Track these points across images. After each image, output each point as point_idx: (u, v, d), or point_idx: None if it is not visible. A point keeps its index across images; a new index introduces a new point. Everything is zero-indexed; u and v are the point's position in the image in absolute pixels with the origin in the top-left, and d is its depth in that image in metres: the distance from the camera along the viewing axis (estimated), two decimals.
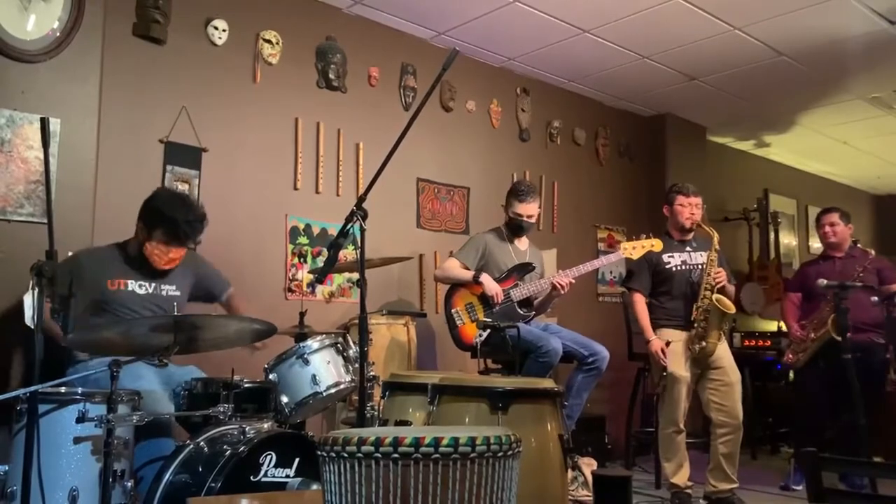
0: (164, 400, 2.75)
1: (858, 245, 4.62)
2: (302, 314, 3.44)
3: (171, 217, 2.90)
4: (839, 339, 4.11)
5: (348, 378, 3.07)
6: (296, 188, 4.21)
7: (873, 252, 4.46)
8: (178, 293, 3.13)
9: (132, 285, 3.00)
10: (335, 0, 4.39)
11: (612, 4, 4.37)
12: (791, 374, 4.89)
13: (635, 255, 3.95)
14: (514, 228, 4.13)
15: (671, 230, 4.08)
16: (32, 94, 3.13)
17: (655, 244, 3.94)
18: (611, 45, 4.94)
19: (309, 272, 4.16)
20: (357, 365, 2.90)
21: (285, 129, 4.20)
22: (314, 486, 2.38)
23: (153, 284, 3.05)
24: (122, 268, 3.00)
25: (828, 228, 4.57)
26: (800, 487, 4.36)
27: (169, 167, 3.72)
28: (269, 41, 4.14)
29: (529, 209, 4.07)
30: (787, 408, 5.40)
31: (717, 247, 3.86)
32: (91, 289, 2.90)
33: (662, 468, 3.94)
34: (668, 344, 3.80)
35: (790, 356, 4.48)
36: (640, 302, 3.99)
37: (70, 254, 3.00)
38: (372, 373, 3.06)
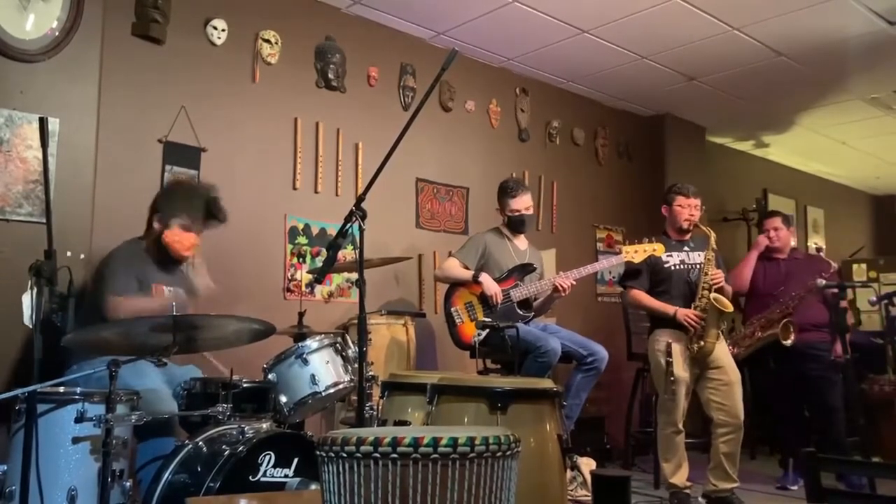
0: (168, 399, 2.75)
1: (822, 253, 4.71)
2: (301, 314, 3.44)
3: (193, 198, 2.99)
4: (787, 342, 4.22)
5: (347, 378, 3.07)
6: (295, 188, 4.21)
7: (835, 265, 4.63)
8: (181, 291, 3.15)
9: (166, 290, 3.06)
10: (334, 0, 4.40)
11: (611, 5, 4.37)
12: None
13: (637, 259, 3.93)
14: (516, 225, 4.12)
15: (669, 230, 4.07)
16: (31, 94, 3.13)
17: (657, 248, 3.91)
18: (610, 46, 4.94)
19: (308, 272, 4.16)
20: (356, 365, 2.90)
21: (284, 129, 4.20)
22: (313, 486, 2.38)
23: (173, 288, 3.10)
24: (155, 269, 3.05)
25: (772, 233, 4.68)
26: (795, 487, 4.38)
27: (168, 167, 3.72)
28: (268, 41, 4.14)
29: (524, 202, 4.08)
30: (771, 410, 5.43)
31: (714, 246, 3.86)
32: (141, 289, 2.95)
33: (661, 468, 3.93)
34: (668, 345, 3.79)
35: (731, 348, 4.51)
36: (641, 293, 3.97)
37: (75, 251, 3.03)
38: (371, 373, 3.06)
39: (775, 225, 4.68)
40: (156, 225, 3.03)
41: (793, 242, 4.90)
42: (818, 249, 4.76)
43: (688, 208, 3.97)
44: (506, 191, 4.12)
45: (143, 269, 3.01)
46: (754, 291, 4.65)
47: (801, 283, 4.31)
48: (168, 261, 3.06)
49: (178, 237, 3.01)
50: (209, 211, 3.05)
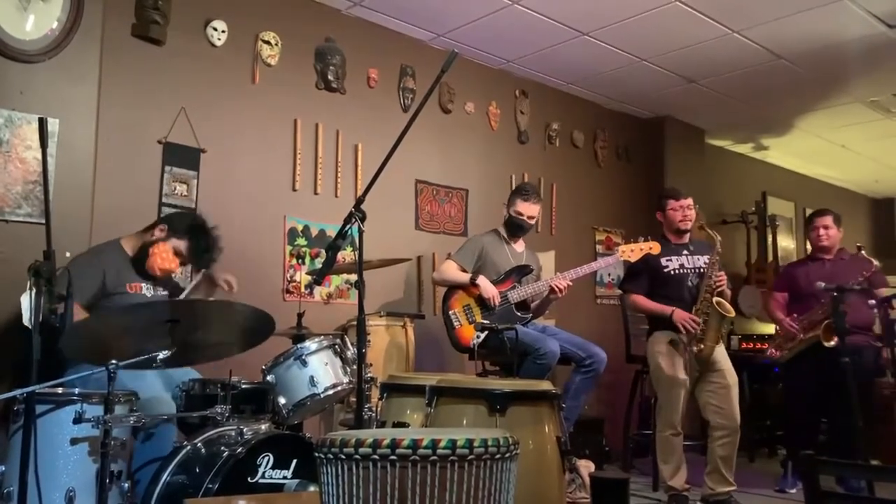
0: (167, 400, 2.75)
1: (863, 252, 4.56)
2: (300, 315, 3.44)
3: (196, 236, 3.04)
4: (829, 344, 4.11)
5: (346, 379, 3.07)
6: (294, 189, 4.21)
7: (877, 263, 4.41)
8: (163, 294, 3.16)
9: (144, 289, 3.05)
10: (334, 1, 4.40)
11: (611, 7, 4.38)
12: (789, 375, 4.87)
13: (633, 258, 3.95)
14: (514, 227, 4.13)
15: (667, 234, 4.08)
16: (31, 95, 3.13)
17: (654, 247, 3.93)
18: (609, 48, 4.94)
19: (307, 273, 4.15)
20: (355, 366, 2.90)
21: (284, 130, 4.20)
22: (311, 488, 2.38)
23: (154, 288, 3.10)
24: (132, 271, 3.03)
25: (822, 231, 4.55)
26: (794, 490, 4.37)
27: (167, 168, 3.72)
28: (268, 42, 4.14)
29: (531, 209, 4.08)
30: (785, 410, 5.40)
31: (720, 250, 3.86)
32: (111, 288, 2.94)
33: (660, 470, 3.94)
34: (668, 347, 3.79)
35: (774, 351, 4.46)
36: (640, 297, 3.98)
37: (74, 252, 3.02)
38: (370, 374, 3.06)
39: (825, 223, 4.54)
40: (157, 232, 3.04)
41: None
42: (859, 248, 4.60)
43: (680, 210, 3.99)
44: (520, 191, 4.14)
45: (116, 268, 2.98)
46: (798, 292, 4.51)
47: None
48: (142, 268, 3.03)
49: (166, 254, 2.99)
50: (201, 258, 3.12)
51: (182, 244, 3.04)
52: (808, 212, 8.21)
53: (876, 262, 4.38)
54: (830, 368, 4.11)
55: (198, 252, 3.08)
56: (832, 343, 4.10)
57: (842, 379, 4.10)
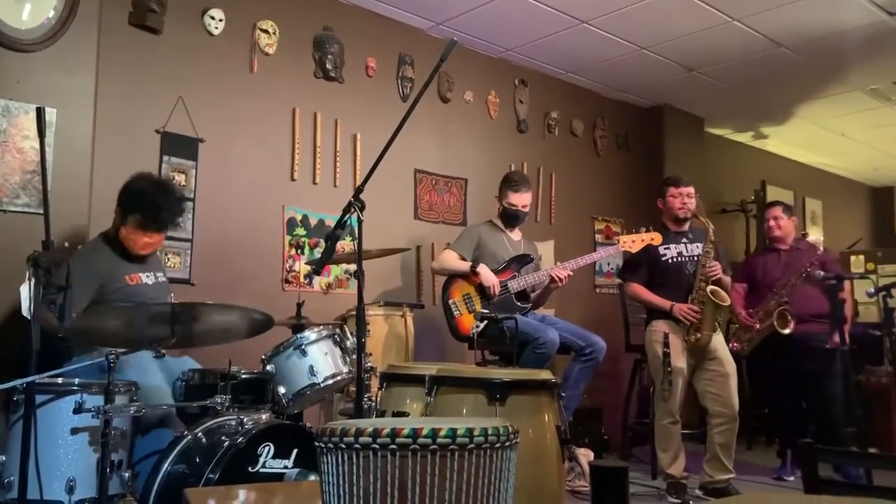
0: (167, 391, 2.75)
1: (808, 239, 4.67)
2: (299, 305, 3.45)
3: (145, 202, 2.88)
4: (785, 331, 4.23)
5: (346, 369, 3.07)
6: (293, 179, 4.20)
7: (822, 248, 4.53)
8: (164, 279, 3.14)
9: (144, 277, 3.01)
10: None
11: None
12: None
13: (634, 249, 3.94)
14: (509, 218, 4.14)
15: (666, 222, 4.08)
16: (28, 84, 3.12)
17: (655, 237, 3.92)
18: (609, 36, 4.92)
19: (306, 263, 4.16)
20: (354, 356, 2.90)
21: (282, 120, 4.19)
22: (312, 477, 2.39)
23: (151, 273, 3.07)
24: (123, 262, 2.99)
25: (772, 222, 4.65)
26: (792, 478, 4.39)
27: (165, 157, 3.71)
28: (266, 31, 4.12)
29: (523, 199, 4.08)
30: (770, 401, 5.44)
31: (713, 237, 3.86)
32: (112, 286, 2.90)
33: (658, 459, 3.95)
34: (665, 336, 3.79)
35: (735, 344, 4.51)
36: (640, 287, 3.98)
37: (77, 247, 3.00)
38: (369, 364, 3.06)
39: (775, 214, 4.64)
40: (116, 217, 2.97)
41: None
42: (803, 235, 4.72)
43: (680, 197, 3.98)
44: (508, 182, 4.13)
45: (108, 266, 2.93)
46: (754, 284, 4.63)
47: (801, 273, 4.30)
48: (129, 255, 2.98)
49: (131, 235, 2.93)
50: (159, 215, 2.93)
51: (136, 218, 2.91)
52: (808, 200, 8.25)
53: (821, 249, 4.51)
54: (795, 355, 4.23)
55: (150, 222, 2.91)
56: (787, 330, 4.25)
57: (827, 369, 4.23)
